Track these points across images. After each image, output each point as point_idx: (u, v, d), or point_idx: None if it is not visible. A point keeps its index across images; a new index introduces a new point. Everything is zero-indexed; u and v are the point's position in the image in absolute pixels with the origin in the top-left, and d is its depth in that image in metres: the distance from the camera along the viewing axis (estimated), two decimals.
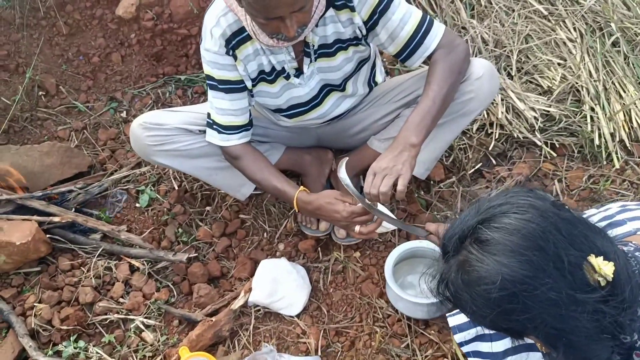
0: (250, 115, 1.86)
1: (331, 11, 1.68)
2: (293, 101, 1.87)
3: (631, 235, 1.13)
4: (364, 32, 1.72)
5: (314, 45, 1.73)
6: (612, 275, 0.89)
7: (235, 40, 1.69)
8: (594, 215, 1.28)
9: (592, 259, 0.91)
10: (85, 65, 2.66)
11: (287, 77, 1.80)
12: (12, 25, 2.58)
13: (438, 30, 1.71)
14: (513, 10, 2.48)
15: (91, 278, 2.02)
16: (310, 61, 1.77)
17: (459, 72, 1.71)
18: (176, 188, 2.27)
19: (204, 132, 1.91)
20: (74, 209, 2.20)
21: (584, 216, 1.31)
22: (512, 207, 0.96)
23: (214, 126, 1.83)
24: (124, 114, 2.57)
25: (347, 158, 1.74)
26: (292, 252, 2.10)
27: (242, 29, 1.68)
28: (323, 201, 1.75)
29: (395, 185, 1.59)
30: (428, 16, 1.72)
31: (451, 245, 1.00)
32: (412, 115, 1.65)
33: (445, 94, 1.66)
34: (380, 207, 1.68)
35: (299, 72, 1.79)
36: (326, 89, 1.88)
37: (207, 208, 2.24)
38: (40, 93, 2.60)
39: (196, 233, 2.17)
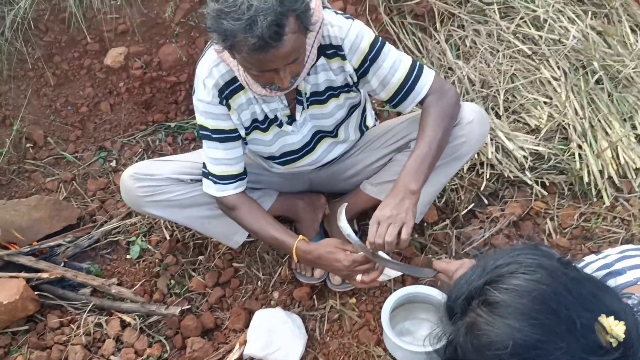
0: (244, 163, 1.85)
1: (322, 60, 1.69)
2: (286, 148, 1.87)
3: (632, 286, 1.12)
4: (355, 79, 1.74)
5: (306, 93, 1.75)
6: (623, 336, 0.88)
7: (228, 90, 1.70)
8: (593, 262, 1.27)
9: (603, 319, 0.89)
10: (73, 115, 2.65)
11: (280, 125, 1.80)
12: (0, 78, 2.58)
13: (428, 76, 1.73)
14: (497, 51, 2.52)
15: (81, 336, 1.97)
16: (303, 108, 1.78)
17: (451, 117, 1.72)
18: (168, 238, 2.24)
19: (196, 181, 1.90)
20: (63, 263, 2.16)
21: (583, 263, 1.30)
22: (519, 267, 0.93)
23: (210, 176, 1.82)
24: (113, 164, 2.55)
25: (346, 204, 1.73)
26: (287, 301, 2.07)
27: (234, 79, 1.69)
28: (323, 250, 1.73)
29: (399, 233, 1.58)
30: (418, 62, 1.74)
31: (458, 307, 0.97)
32: (409, 162, 1.65)
33: (440, 139, 1.68)
34: (381, 253, 1.67)
35: (291, 119, 1.80)
36: (318, 136, 1.89)
37: (200, 257, 2.21)
38: (27, 145, 2.58)
39: (189, 284, 2.13)
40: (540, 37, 2.49)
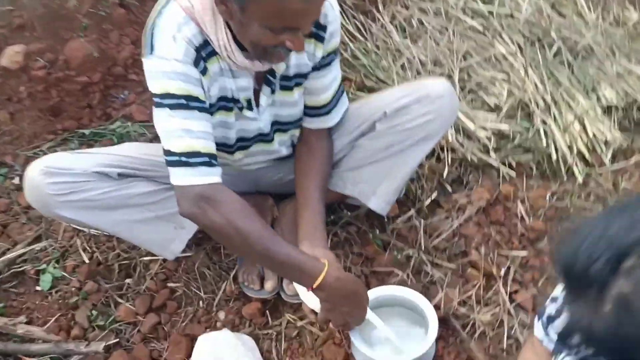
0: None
1: None
2: (242, 134, 1.61)
3: None
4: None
5: (277, 76, 1.53)
6: None
7: (205, 52, 1.39)
8: None
9: None
10: None
11: (241, 109, 1.54)
12: None
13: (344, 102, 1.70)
14: (447, 29, 2.37)
15: None
16: (272, 91, 1.55)
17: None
18: (87, 261, 1.89)
19: (125, 176, 1.58)
20: None
21: None
22: None
23: (182, 158, 1.39)
24: (16, 180, 2.18)
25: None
26: (236, 320, 1.77)
27: (206, 42, 1.38)
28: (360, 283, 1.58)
29: None
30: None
31: (596, 274, 0.69)
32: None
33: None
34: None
35: (251, 105, 1.55)
36: (277, 127, 1.66)
37: (128, 280, 1.87)
38: None
39: (115, 313, 1.79)
40: (491, 12, 2.35)
